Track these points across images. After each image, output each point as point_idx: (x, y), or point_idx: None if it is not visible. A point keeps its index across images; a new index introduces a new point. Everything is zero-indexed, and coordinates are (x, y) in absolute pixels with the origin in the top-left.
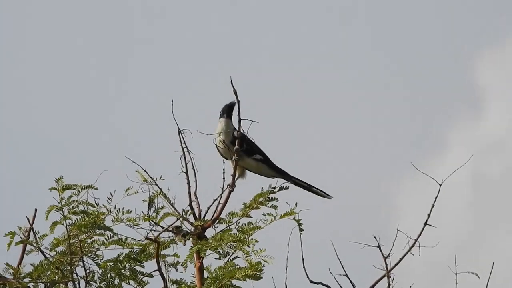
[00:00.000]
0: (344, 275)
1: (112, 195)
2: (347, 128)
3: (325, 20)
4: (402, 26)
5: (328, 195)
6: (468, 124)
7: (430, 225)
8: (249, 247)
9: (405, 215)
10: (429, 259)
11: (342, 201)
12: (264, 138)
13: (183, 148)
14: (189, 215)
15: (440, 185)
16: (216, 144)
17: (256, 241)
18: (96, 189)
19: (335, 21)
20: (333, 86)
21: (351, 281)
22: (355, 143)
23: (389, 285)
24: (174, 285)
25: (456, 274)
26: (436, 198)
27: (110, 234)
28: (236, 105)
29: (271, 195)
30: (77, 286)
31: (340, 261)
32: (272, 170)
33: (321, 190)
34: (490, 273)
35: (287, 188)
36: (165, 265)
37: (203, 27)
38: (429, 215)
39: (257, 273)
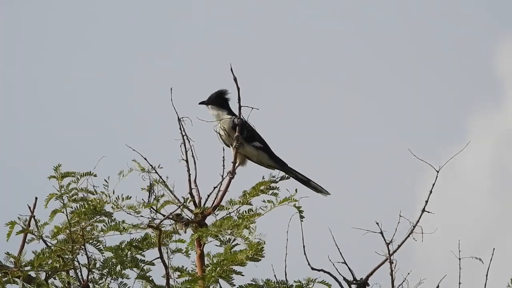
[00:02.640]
0: (342, 263)
1: (107, 182)
2: (359, 116)
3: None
4: (421, 10)
5: (327, 192)
6: (487, 111)
7: (428, 212)
8: (247, 229)
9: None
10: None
11: (352, 190)
12: (268, 128)
13: (183, 136)
14: (189, 202)
15: (438, 171)
16: (217, 131)
17: (252, 222)
18: (95, 175)
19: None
20: (346, 70)
21: (349, 268)
22: (365, 132)
23: (391, 270)
24: (176, 272)
25: (460, 259)
26: (433, 185)
27: (109, 220)
28: (237, 92)
29: (272, 184)
30: (79, 273)
31: (338, 248)
32: (272, 160)
33: (319, 186)
34: (491, 259)
35: (288, 178)
36: (167, 253)
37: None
38: (426, 201)
39: (259, 253)
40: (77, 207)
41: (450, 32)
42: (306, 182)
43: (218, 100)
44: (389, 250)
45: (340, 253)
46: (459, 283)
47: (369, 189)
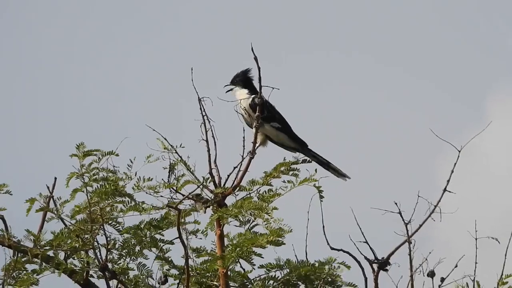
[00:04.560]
0: (364, 242)
1: (132, 162)
2: (378, 100)
3: None
4: None
5: (346, 176)
6: (506, 92)
7: (450, 191)
8: (268, 214)
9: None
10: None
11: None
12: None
13: (203, 116)
14: (209, 182)
15: (459, 151)
16: (237, 111)
17: (275, 208)
18: (117, 155)
19: None
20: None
21: (370, 248)
22: (387, 113)
23: (410, 251)
24: (195, 252)
25: (476, 239)
26: (455, 164)
27: (129, 201)
28: (258, 72)
29: (292, 166)
30: (98, 254)
31: (360, 228)
32: (292, 140)
33: (339, 169)
34: (510, 239)
35: (310, 161)
36: (185, 233)
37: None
38: (448, 181)
39: (279, 239)
40: (98, 186)
41: (468, 12)
42: (326, 164)
43: (242, 80)
44: (407, 230)
45: (362, 232)
46: (476, 263)
47: (383, 171)
